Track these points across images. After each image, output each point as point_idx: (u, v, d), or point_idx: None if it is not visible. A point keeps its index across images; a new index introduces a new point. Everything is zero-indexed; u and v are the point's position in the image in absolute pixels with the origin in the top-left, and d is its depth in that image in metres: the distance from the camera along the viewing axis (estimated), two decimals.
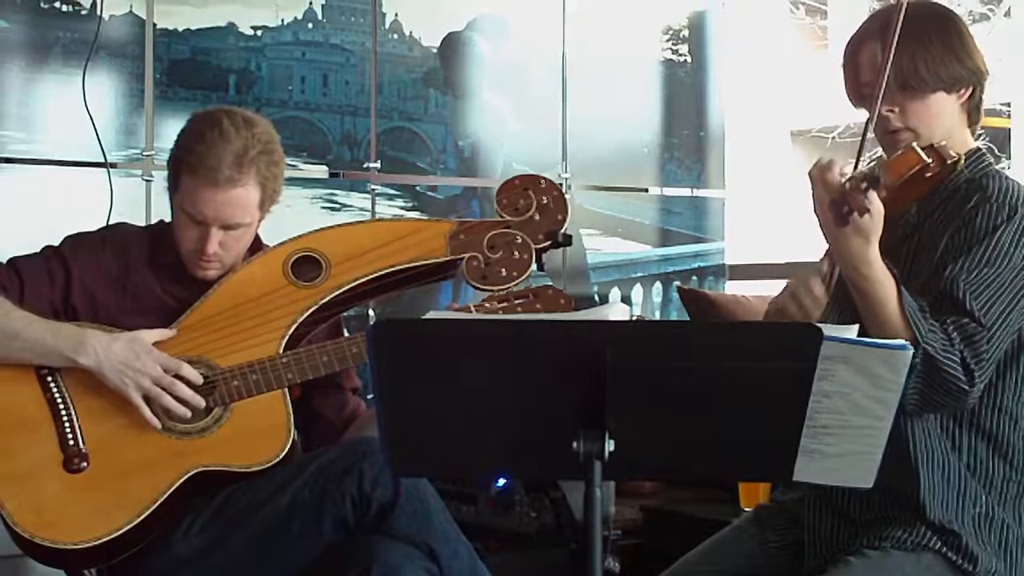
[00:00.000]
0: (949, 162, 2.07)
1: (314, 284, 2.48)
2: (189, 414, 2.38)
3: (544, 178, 2.56)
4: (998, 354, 2.07)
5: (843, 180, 1.97)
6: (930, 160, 2.04)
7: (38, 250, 2.53)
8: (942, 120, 2.18)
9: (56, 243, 2.55)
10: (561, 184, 2.61)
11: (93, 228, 2.64)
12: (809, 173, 2.05)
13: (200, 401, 2.38)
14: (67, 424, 2.37)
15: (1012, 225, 2.08)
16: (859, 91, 2.23)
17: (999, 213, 2.09)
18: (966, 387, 2.01)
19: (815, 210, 2.05)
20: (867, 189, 1.94)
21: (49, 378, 2.40)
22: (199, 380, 2.39)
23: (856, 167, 2.10)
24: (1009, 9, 5.04)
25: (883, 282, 2.02)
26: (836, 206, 1.97)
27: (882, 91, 2.12)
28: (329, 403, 2.62)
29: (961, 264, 2.06)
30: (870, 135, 2.21)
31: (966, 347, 2.02)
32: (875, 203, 1.96)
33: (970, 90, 2.20)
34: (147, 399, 2.36)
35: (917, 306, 2.02)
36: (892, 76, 2.13)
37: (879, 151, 2.27)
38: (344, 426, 2.63)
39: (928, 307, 2.05)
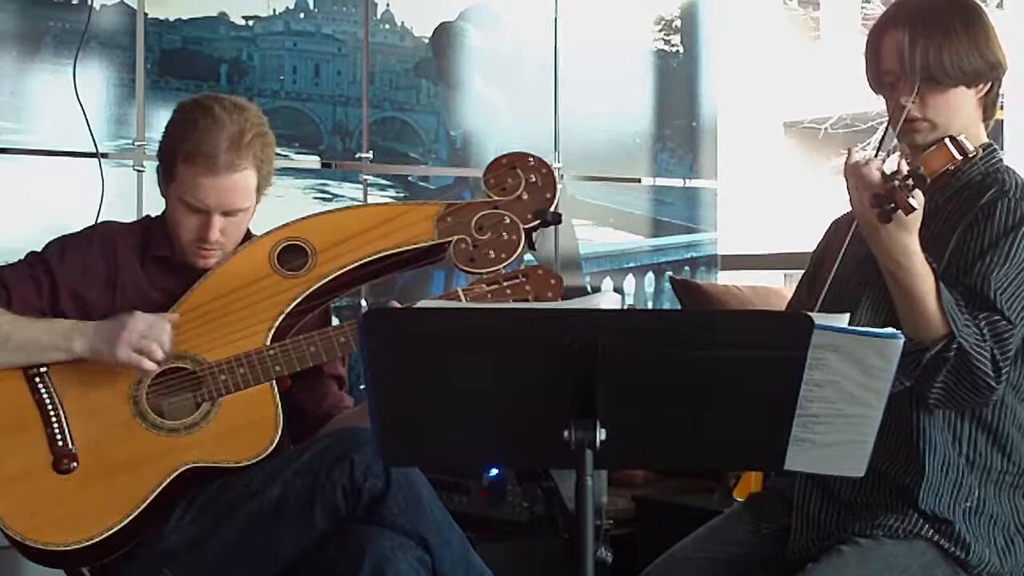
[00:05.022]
0: (969, 156, 2.09)
1: (300, 273, 2.45)
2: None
3: (532, 155, 2.50)
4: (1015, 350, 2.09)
5: (886, 178, 1.96)
6: (960, 156, 2.06)
7: (22, 257, 2.50)
8: (960, 114, 2.19)
9: (43, 243, 2.52)
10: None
11: (81, 223, 2.61)
12: (845, 169, 2.04)
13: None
14: (56, 424, 2.36)
15: None
16: (880, 78, 2.23)
17: (1017, 209, 2.11)
18: (993, 383, 2.03)
19: (853, 205, 2.05)
20: (914, 187, 1.93)
21: (37, 379, 2.38)
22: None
23: (876, 155, 2.11)
24: (1002, 0, 5.04)
25: (923, 275, 2.02)
26: (879, 202, 1.95)
27: (915, 87, 2.13)
28: (308, 396, 2.59)
29: (989, 261, 2.08)
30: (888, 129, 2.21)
31: (996, 343, 2.03)
32: (920, 199, 1.96)
33: (988, 85, 2.21)
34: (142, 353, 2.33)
35: (953, 300, 2.03)
36: (915, 66, 2.13)
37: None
38: (321, 419, 2.59)
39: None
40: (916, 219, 1.98)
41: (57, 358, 2.37)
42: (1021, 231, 2.09)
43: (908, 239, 2.00)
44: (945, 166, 2.08)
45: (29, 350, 2.36)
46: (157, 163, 2.53)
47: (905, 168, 1.96)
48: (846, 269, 2.24)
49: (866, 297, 2.19)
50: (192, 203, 2.43)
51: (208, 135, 2.40)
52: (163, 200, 2.55)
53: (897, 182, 1.94)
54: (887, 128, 2.20)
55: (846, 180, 2.05)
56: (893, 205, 1.95)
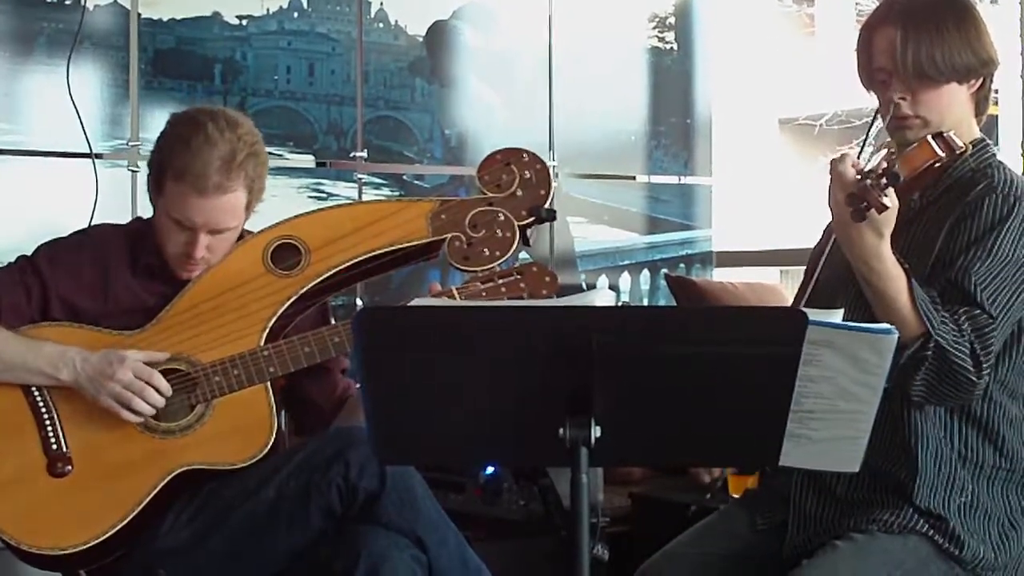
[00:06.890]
0: (957, 152, 2.09)
1: (293, 273, 2.44)
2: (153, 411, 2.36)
3: (526, 151, 2.49)
4: (999, 346, 2.09)
5: (859, 175, 1.95)
6: (943, 153, 2.05)
7: (12, 260, 2.49)
8: (952, 110, 2.18)
9: (34, 245, 2.50)
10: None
11: (75, 224, 2.61)
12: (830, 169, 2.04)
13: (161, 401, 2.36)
14: (50, 428, 2.35)
15: (1016, 219, 2.09)
16: (872, 75, 2.22)
17: (1004, 204, 2.10)
18: (974, 378, 2.02)
19: (829, 204, 2.04)
20: (886, 185, 1.93)
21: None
22: (168, 391, 2.36)
23: (860, 153, 2.10)
24: None
25: (894, 276, 2.01)
26: (853, 201, 1.94)
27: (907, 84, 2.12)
28: (318, 387, 2.60)
29: (972, 255, 2.07)
30: (877, 123, 2.21)
31: (976, 338, 2.03)
32: (893, 198, 1.95)
33: (980, 80, 2.21)
34: (120, 404, 2.34)
35: (928, 298, 2.03)
36: (908, 64, 2.13)
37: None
38: (334, 408, 2.60)
39: (938, 297, 2.06)
40: (888, 220, 1.98)
41: (42, 383, 2.36)
42: (1007, 226, 2.08)
43: (878, 241, 2.00)
44: (926, 163, 2.07)
45: (16, 372, 2.36)
46: (147, 172, 2.51)
47: (881, 166, 1.95)
48: (832, 270, 2.23)
49: (843, 297, 2.18)
50: (180, 220, 2.41)
51: (199, 155, 2.36)
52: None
53: (870, 180, 1.93)
54: (873, 123, 2.20)
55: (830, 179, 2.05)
56: (866, 204, 1.93)
